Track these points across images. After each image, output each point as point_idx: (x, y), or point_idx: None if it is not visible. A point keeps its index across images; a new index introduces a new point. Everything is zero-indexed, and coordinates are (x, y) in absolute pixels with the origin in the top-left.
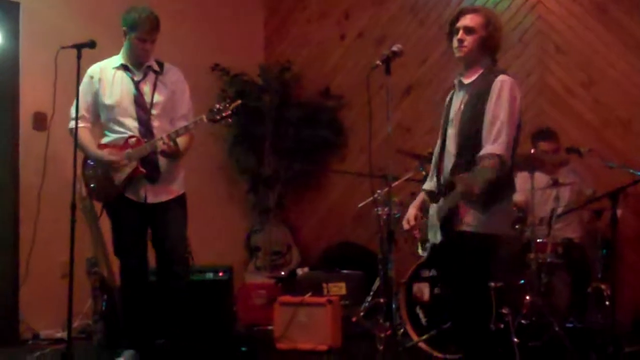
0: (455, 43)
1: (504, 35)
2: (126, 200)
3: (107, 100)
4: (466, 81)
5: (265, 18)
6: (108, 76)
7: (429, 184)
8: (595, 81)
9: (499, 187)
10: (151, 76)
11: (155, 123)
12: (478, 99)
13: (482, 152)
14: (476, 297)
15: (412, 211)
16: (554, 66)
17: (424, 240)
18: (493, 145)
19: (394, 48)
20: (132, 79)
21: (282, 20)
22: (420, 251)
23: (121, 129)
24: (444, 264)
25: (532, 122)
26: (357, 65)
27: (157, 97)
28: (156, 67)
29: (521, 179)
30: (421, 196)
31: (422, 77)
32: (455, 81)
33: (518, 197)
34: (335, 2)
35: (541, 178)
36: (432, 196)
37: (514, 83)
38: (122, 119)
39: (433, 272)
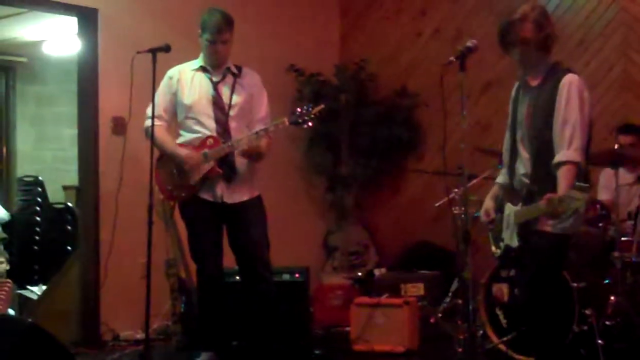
0: (516, 59)
1: (586, 28)
2: (201, 200)
3: (186, 100)
4: (533, 83)
5: (340, 17)
6: (187, 77)
7: (504, 177)
8: None
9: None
10: (229, 78)
11: (232, 124)
12: (547, 102)
13: (559, 158)
14: (549, 298)
15: (489, 203)
16: (638, 59)
17: (497, 237)
18: (569, 151)
19: (469, 43)
20: (211, 80)
21: (357, 18)
22: (493, 248)
23: (199, 129)
24: (519, 267)
25: (615, 116)
26: (433, 63)
27: (236, 99)
28: (234, 70)
29: (605, 176)
30: (495, 189)
31: (500, 72)
32: (520, 82)
33: (603, 194)
34: None
35: (626, 175)
36: (509, 195)
37: (581, 81)
38: (200, 119)
39: (513, 273)
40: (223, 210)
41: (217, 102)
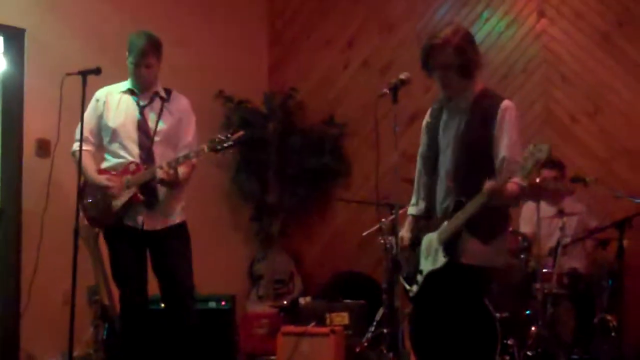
0: (437, 83)
1: (509, 64)
2: (125, 226)
3: (111, 123)
4: (462, 106)
5: (269, 45)
6: (114, 99)
7: (415, 209)
8: (601, 110)
9: (503, 217)
10: (157, 102)
11: (157, 150)
12: (483, 123)
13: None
14: (476, 328)
15: (405, 233)
16: (559, 95)
17: (410, 277)
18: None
19: (402, 76)
20: (138, 104)
21: (287, 47)
22: (407, 286)
23: (123, 154)
24: (441, 291)
25: None
26: (361, 94)
27: (162, 125)
28: (163, 94)
29: (527, 209)
30: (410, 220)
31: (427, 104)
32: (444, 106)
33: (525, 227)
34: (339, 30)
35: (547, 208)
36: (427, 225)
37: (515, 108)
38: (124, 143)
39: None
40: (145, 237)
41: (142, 127)
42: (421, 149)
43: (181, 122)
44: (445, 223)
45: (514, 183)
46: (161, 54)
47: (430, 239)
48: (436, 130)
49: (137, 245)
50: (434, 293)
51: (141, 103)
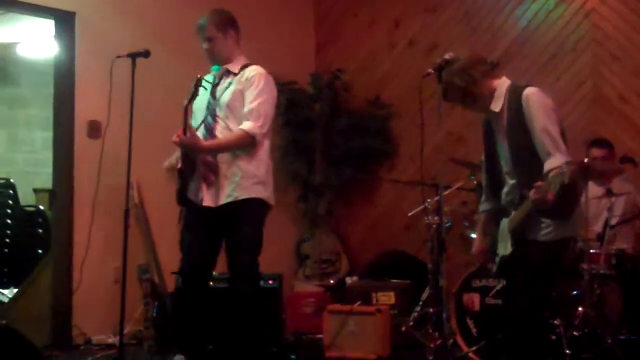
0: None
1: (558, 43)
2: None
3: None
4: (496, 109)
5: (315, 26)
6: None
7: (487, 205)
8: None
9: (573, 192)
10: (226, 79)
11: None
12: (518, 120)
13: (548, 166)
14: (536, 308)
15: (480, 237)
16: (608, 74)
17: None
18: (555, 158)
19: (446, 56)
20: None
21: (333, 28)
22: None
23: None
24: (512, 274)
25: (585, 131)
26: (407, 74)
27: (225, 98)
28: (236, 70)
29: None
30: (482, 217)
31: None
32: (486, 117)
33: None
34: (385, 10)
35: (595, 188)
36: (501, 214)
37: (539, 91)
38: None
39: (484, 282)
40: (207, 212)
41: (209, 106)
42: (484, 157)
43: (242, 93)
44: (514, 212)
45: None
46: (225, 26)
47: (504, 225)
48: (491, 139)
49: (201, 221)
50: (506, 272)
51: (213, 82)
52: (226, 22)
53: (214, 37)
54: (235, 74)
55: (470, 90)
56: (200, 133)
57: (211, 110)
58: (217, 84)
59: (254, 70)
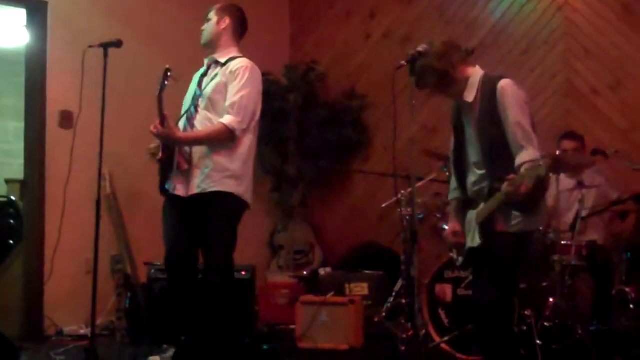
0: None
1: (531, 37)
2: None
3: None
4: (469, 99)
5: (290, 17)
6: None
7: (455, 193)
8: (622, 83)
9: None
10: (213, 70)
11: (198, 117)
12: (491, 111)
13: (520, 159)
14: (506, 298)
15: (454, 224)
16: (580, 67)
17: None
18: (527, 151)
19: (420, 48)
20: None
21: (308, 19)
22: (455, 257)
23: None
24: (478, 266)
25: (558, 124)
26: (382, 66)
27: (207, 90)
28: (222, 60)
29: None
30: (454, 204)
31: None
32: (456, 103)
33: None
34: (361, 1)
35: (566, 180)
36: (469, 204)
37: (514, 84)
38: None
39: (456, 274)
40: (181, 202)
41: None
42: (452, 147)
43: (225, 86)
44: (482, 205)
45: (525, 185)
46: (224, 13)
47: (471, 217)
48: (460, 129)
49: (176, 210)
50: (473, 263)
51: (201, 72)
52: (229, 10)
53: (210, 19)
54: (222, 65)
55: (449, 73)
56: (181, 123)
57: (195, 101)
58: (205, 74)
59: (239, 63)
